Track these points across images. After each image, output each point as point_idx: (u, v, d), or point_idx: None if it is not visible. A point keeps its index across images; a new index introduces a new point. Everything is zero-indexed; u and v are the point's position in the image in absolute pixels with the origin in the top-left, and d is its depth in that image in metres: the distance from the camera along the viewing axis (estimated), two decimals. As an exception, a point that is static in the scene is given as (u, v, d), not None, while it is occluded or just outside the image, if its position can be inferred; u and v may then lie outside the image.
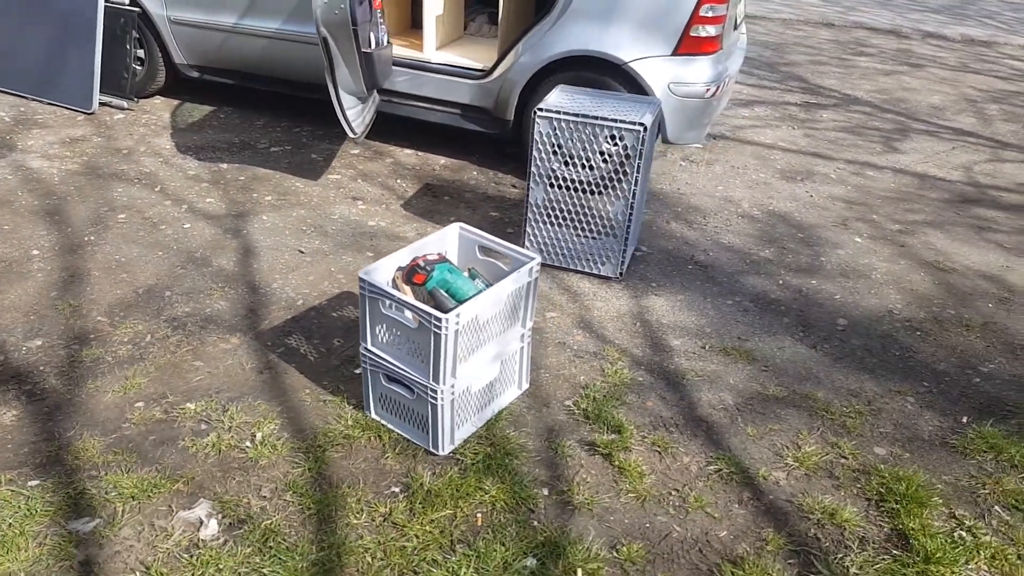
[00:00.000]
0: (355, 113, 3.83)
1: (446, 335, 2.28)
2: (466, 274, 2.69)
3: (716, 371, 2.98)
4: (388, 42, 3.97)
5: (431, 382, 2.38)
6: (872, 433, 2.71)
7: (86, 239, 3.53)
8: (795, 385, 2.93)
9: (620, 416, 2.70)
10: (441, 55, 4.57)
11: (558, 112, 3.26)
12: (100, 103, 4.81)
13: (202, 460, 2.43)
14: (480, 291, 2.56)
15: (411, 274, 2.51)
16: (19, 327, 2.94)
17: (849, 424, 2.73)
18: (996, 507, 2.43)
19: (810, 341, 3.20)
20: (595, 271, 3.51)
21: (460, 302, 2.53)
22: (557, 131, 3.29)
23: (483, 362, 2.53)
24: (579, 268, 3.54)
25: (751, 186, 4.61)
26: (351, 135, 3.80)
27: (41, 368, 2.75)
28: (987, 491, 2.49)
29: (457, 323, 2.30)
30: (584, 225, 3.45)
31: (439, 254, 2.60)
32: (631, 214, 3.35)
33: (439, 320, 2.25)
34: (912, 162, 5.13)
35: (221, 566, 2.09)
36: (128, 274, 3.31)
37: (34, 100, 4.95)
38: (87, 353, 2.84)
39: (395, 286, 2.57)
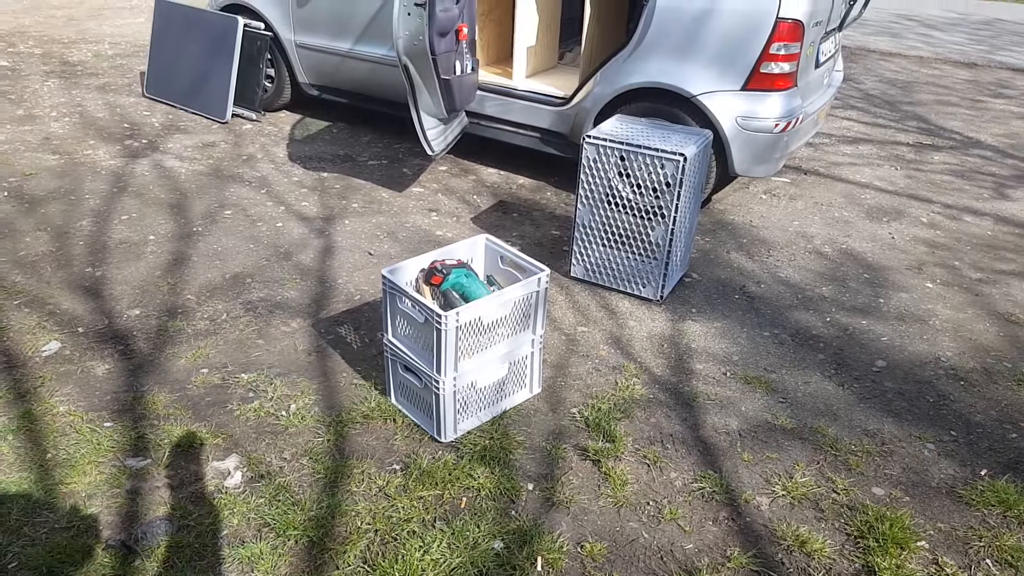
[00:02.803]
0: (435, 133, 4.18)
1: (446, 331, 2.53)
2: (484, 281, 2.93)
3: (730, 397, 3.03)
4: (473, 69, 4.30)
5: (434, 373, 2.63)
6: (875, 473, 2.67)
7: (195, 230, 4.09)
8: (808, 419, 2.92)
9: (619, 428, 2.82)
10: (528, 83, 4.86)
11: (605, 139, 3.44)
12: (233, 114, 5.52)
13: (242, 422, 2.80)
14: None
15: (429, 275, 2.78)
16: (126, 298, 3.48)
17: (852, 462, 2.71)
18: (987, 560, 2.35)
19: (840, 379, 3.16)
20: (636, 292, 3.64)
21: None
22: (604, 157, 3.47)
23: (489, 361, 2.75)
24: (622, 288, 3.68)
25: (830, 223, 4.53)
26: (430, 152, 4.15)
27: (135, 333, 3.25)
28: (983, 544, 2.40)
29: (457, 321, 2.54)
30: (628, 247, 3.59)
31: (459, 260, 2.86)
32: (671, 239, 3.46)
33: (439, 317, 2.50)
34: (1021, 210, 4.83)
35: (235, 510, 2.43)
36: (221, 262, 3.80)
37: (181, 109, 5.73)
38: (172, 324, 3.31)
39: (416, 286, 2.85)
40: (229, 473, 2.61)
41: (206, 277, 3.67)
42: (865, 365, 3.26)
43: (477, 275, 2.89)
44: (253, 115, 5.54)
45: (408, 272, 2.85)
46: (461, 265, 2.84)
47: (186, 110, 5.70)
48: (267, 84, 5.60)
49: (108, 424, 2.76)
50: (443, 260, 2.82)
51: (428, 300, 2.78)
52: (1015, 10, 12.16)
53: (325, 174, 4.87)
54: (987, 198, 5.00)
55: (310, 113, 5.89)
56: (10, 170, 4.61)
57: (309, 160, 5.07)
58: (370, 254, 3.95)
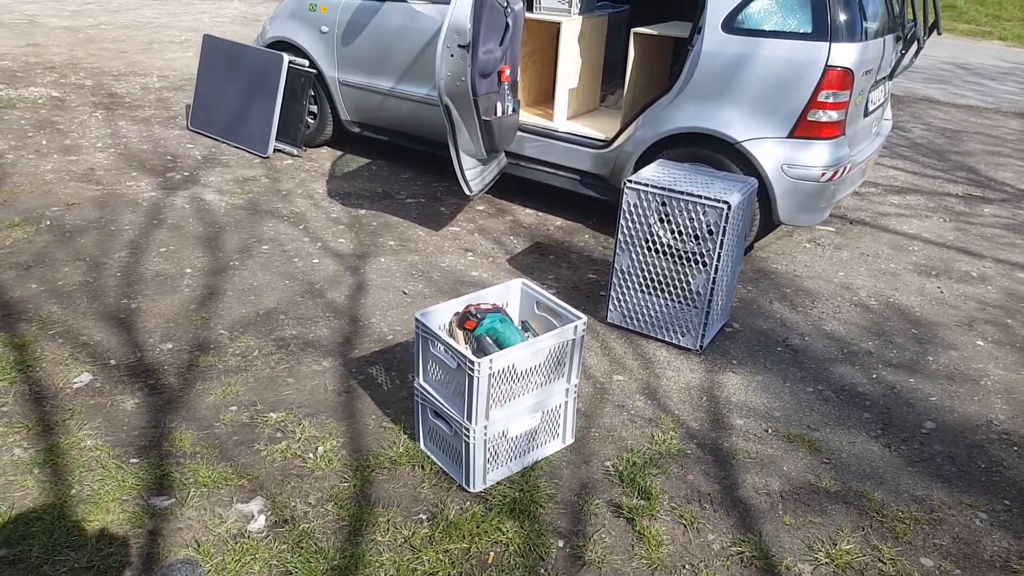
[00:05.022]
0: (474, 174, 4.16)
1: (478, 378, 2.46)
2: (519, 326, 2.86)
3: (772, 456, 2.90)
4: (514, 110, 4.29)
5: (465, 421, 2.56)
6: (924, 543, 2.52)
7: (231, 264, 4.10)
8: (853, 482, 2.78)
9: (655, 484, 2.71)
10: (569, 124, 4.83)
11: (646, 185, 3.38)
12: (275, 149, 5.58)
13: (269, 463, 2.75)
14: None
15: (463, 320, 2.72)
16: (159, 331, 3.48)
17: (900, 529, 2.56)
18: (1049, 647, 2.19)
19: (886, 440, 3.02)
20: (675, 341, 3.54)
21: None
22: (645, 203, 3.40)
23: (521, 410, 2.67)
24: (659, 336, 3.58)
25: (876, 275, 4.40)
26: (467, 193, 4.13)
27: (166, 367, 3.24)
28: (1043, 628, 2.25)
29: (490, 368, 2.48)
30: (667, 295, 3.50)
31: (494, 304, 2.80)
32: (713, 288, 3.37)
33: (472, 363, 2.44)
34: (1080, 267, 4.65)
35: (257, 556, 2.36)
36: (256, 297, 3.79)
37: (224, 143, 5.82)
38: (204, 360, 3.29)
39: (449, 330, 2.79)
40: (253, 516, 2.55)
41: (240, 312, 3.66)
42: (913, 426, 3.12)
43: (512, 321, 2.82)
44: (294, 151, 5.60)
45: (442, 315, 2.79)
46: (496, 310, 2.78)
47: (228, 144, 5.78)
48: (309, 120, 5.66)
49: (134, 460, 2.73)
50: (478, 304, 2.76)
51: (461, 345, 2.72)
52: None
53: (362, 211, 4.88)
54: (1041, 253, 4.84)
55: (351, 150, 5.93)
56: (54, 199, 4.69)
57: (347, 196, 5.09)
58: (404, 293, 3.92)
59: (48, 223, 4.38)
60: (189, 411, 2.98)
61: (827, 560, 2.44)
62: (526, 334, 2.83)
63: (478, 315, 2.71)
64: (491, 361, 2.47)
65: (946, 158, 6.73)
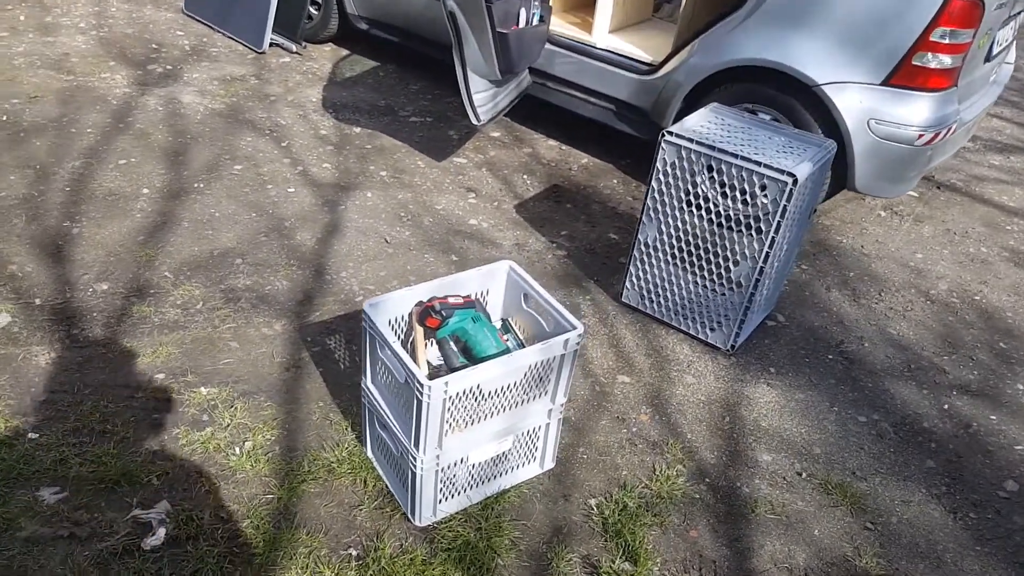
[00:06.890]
0: (484, 98, 3.44)
1: (429, 403, 1.89)
2: (498, 325, 2.26)
3: (802, 512, 2.30)
4: (542, 19, 3.51)
5: (411, 447, 2.01)
6: (988, 669, 1.95)
7: (195, 186, 3.51)
8: (903, 562, 2.18)
9: (647, 539, 2.16)
10: (610, 39, 3.99)
11: (690, 140, 2.65)
12: (272, 43, 4.85)
13: (185, 455, 2.28)
14: (503, 351, 2.13)
15: (425, 316, 2.12)
16: (96, 266, 2.96)
17: (958, 645, 1.99)
18: None
19: (952, 503, 2.39)
20: (701, 336, 2.90)
21: (476, 359, 2.12)
22: (684, 163, 2.69)
23: (486, 434, 2.11)
24: (683, 328, 2.94)
25: (962, 262, 3.63)
26: (475, 122, 3.42)
27: (95, 314, 2.74)
28: None
29: (445, 393, 1.90)
30: (699, 278, 2.83)
31: (466, 297, 2.19)
32: (758, 279, 2.69)
33: (422, 386, 1.86)
34: None
35: (137, 587, 1.92)
36: (213, 232, 3.23)
37: (218, 32, 5.09)
38: (138, 309, 2.78)
39: (408, 323, 2.20)
40: (151, 529, 2.08)
41: (191, 250, 3.10)
42: (989, 485, 2.47)
43: (488, 318, 2.21)
44: (293, 47, 4.85)
45: (397, 305, 2.19)
46: (469, 304, 2.16)
47: (223, 33, 5.06)
48: (312, 11, 4.89)
49: (33, 435, 2.27)
50: (445, 297, 2.15)
51: (421, 345, 2.14)
52: None
53: (357, 129, 4.18)
54: None
55: (358, 50, 5.15)
56: (17, 89, 4.10)
57: (343, 109, 4.38)
58: (386, 241, 3.30)
59: (4, 118, 3.83)
60: (109, 374, 2.50)
61: None
62: (504, 337, 2.22)
63: (443, 311, 2.10)
64: (446, 384, 1.88)
65: (1063, 107, 5.69)
